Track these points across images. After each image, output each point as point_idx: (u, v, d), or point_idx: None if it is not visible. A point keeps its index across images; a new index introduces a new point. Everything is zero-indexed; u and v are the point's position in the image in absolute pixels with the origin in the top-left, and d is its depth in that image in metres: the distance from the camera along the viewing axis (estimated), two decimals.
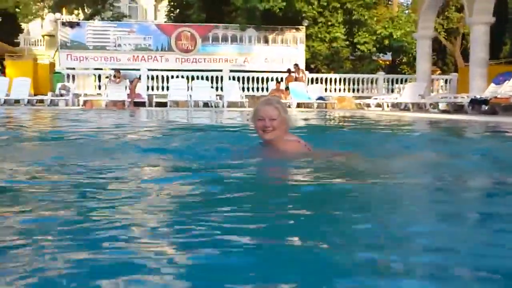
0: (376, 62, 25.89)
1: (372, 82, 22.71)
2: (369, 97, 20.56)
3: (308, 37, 22.89)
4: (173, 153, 3.81)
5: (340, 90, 22.46)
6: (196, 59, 22.26)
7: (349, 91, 22.46)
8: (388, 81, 22.98)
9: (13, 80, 19.77)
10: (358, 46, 23.47)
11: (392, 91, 22.28)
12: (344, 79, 22.51)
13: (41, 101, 19.96)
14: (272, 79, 21.40)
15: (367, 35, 23.24)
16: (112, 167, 3.14)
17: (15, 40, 33.28)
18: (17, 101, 19.32)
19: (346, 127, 9.45)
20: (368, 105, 19.22)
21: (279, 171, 3.30)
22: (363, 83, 22.60)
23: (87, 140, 5.31)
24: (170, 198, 2.31)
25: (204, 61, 22.30)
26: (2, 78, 20.32)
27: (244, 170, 3.22)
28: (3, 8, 25.38)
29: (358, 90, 22.53)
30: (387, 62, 29.41)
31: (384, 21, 23.52)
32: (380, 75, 22.96)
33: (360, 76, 22.76)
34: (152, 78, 21.24)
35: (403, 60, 27.71)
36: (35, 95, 20.58)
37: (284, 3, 20.55)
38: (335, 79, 22.48)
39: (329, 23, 23.07)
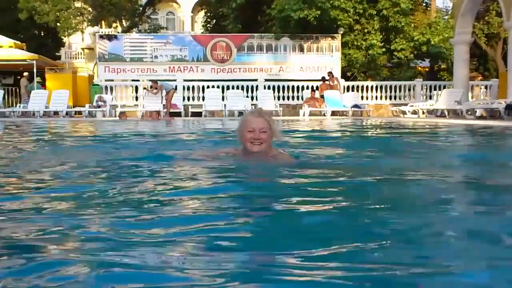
0: (414, 69, 25.43)
1: (409, 89, 22.30)
2: (406, 104, 20.21)
3: (344, 44, 22.67)
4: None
5: (377, 97, 22.17)
6: (231, 69, 22.33)
7: (386, 98, 22.13)
8: (426, 88, 22.54)
9: (52, 92, 20.30)
10: (395, 53, 23.06)
11: (431, 97, 21.85)
12: (381, 87, 22.19)
13: (80, 112, 20.43)
14: (307, 87, 21.31)
15: (404, 42, 22.81)
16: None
17: (57, 54, 34.23)
18: (56, 113, 19.82)
19: (375, 134, 9.32)
20: (404, 112, 18.88)
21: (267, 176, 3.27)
22: (400, 90, 22.23)
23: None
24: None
25: (240, 71, 22.34)
26: (42, 91, 20.86)
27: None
28: (44, 22, 26.07)
29: (395, 97, 22.17)
30: (427, 69, 28.85)
31: (422, 27, 23.05)
32: (418, 82, 22.54)
33: (397, 83, 22.38)
34: (188, 89, 21.42)
35: (443, 67, 27.13)
36: (74, 106, 21.09)
37: (319, 12, 20.38)
38: (372, 87, 22.18)
39: (366, 31, 22.78)
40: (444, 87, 21.68)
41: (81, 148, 5.88)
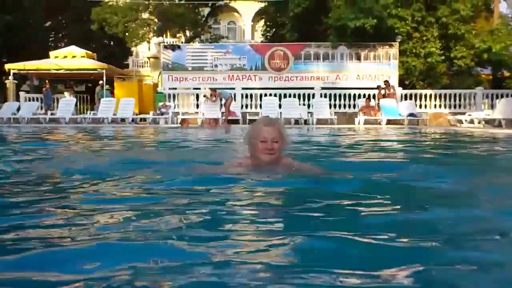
0: (475, 77, 24.89)
1: (470, 98, 21.96)
2: (464, 113, 19.97)
3: (402, 52, 22.60)
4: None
5: (436, 106, 22.00)
6: (288, 77, 22.78)
7: (445, 107, 21.91)
8: (488, 97, 22.13)
9: (120, 100, 21.51)
10: (455, 61, 22.74)
11: (492, 107, 21.41)
12: (440, 95, 21.99)
13: (144, 119, 21.49)
14: (364, 96, 21.45)
15: (464, 49, 22.43)
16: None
17: (125, 62, 36.01)
18: (123, 120, 20.92)
19: (420, 145, 9.39)
20: (461, 122, 18.66)
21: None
22: (460, 99, 21.95)
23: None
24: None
25: (297, 79, 22.74)
26: (111, 99, 22.06)
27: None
28: (114, 32, 27.60)
29: (455, 106, 21.93)
30: (491, 77, 28.12)
31: (483, 34, 22.58)
32: (479, 90, 22.14)
33: (457, 91, 22.09)
34: (246, 96, 22.09)
35: (507, 75, 26.38)
36: (140, 114, 22.20)
37: (375, 21, 20.50)
38: (430, 95, 22.03)
39: (424, 38, 22.59)
40: (508, 96, 21.17)
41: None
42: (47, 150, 7.06)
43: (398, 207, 2.60)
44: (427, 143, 9.90)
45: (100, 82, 24.01)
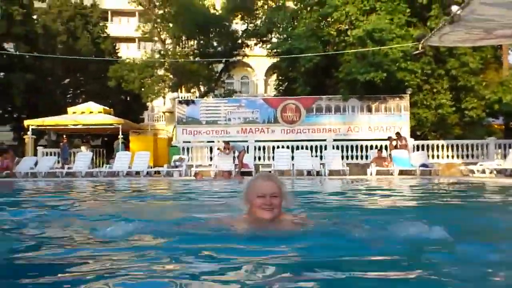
0: (486, 127, 25.01)
1: (482, 148, 22.02)
2: (476, 163, 20.00)
3: (413, 104, 22.90)
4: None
5: (448, 156, 22.05)
6: (300, 129, 23.10)
7: (458, 157, 21.95)
8: (501, 147, 22.15)
9: (135, 153, 21.96)
10: (466, 112, 22.93)
11: (505, 156, 21.43)
12: (452, 145, 22.08)
13: (158, 172, 21.83)
14: (376, 147, 21.62)
15: (475, 101, 22.66)
16: None
17: (141, 117, 36.86)
18: (137, 173, 21.26)
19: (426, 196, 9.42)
20: (472, 171, 18.66)
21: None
22: (472, 149, 22.01)
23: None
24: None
25: (309, 132, 23.04)
26: (126, 153, 22.58)
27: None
28: (131, 89, 28.38)
29: (468, 156, 21.96)
30: (502, 127, 28.22)
31: (493, 85, 22.86)
32: (491, 140, 22.21)
33: (469, 142, 22.17)
34: (259, 149, 22.36)
35: None
36: (154, 166, 22.55)
37: (385, 74, 20.91)
38: (443, 146, 22.13)
39: (435, 90, 22.91)
40: None
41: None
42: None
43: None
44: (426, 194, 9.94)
45: (119, 137, 24.55)
